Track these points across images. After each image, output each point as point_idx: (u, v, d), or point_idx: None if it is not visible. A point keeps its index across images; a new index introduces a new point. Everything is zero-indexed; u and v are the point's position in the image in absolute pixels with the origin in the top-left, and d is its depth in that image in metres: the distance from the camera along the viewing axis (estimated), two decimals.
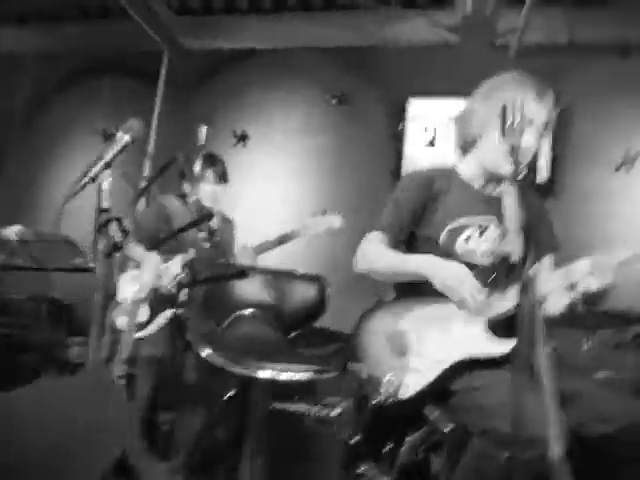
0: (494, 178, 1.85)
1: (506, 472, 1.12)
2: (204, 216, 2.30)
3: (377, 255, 1.79)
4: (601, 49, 4.00)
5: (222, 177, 2.98)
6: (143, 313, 2.59)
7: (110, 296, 2.73)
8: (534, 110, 1.73)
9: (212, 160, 2.96)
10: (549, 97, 1.78)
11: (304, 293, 2.63)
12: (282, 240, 2.98)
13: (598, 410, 1.50)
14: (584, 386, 1.60)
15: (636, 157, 3.87)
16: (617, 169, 3.90)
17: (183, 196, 2.98)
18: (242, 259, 2.92)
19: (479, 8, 3.92)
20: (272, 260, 3.01)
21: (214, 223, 2.83)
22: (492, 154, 1.80)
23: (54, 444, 1.13)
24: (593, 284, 1.58)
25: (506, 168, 1.76)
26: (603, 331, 3.00)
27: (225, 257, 2.97)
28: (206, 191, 2.92)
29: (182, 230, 2.23)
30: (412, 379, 1.63)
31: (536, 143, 1.79)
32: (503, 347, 1.61)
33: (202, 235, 2.07)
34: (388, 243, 1.80)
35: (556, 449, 1.07)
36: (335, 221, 2.99)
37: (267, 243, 2.98)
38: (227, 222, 3.16)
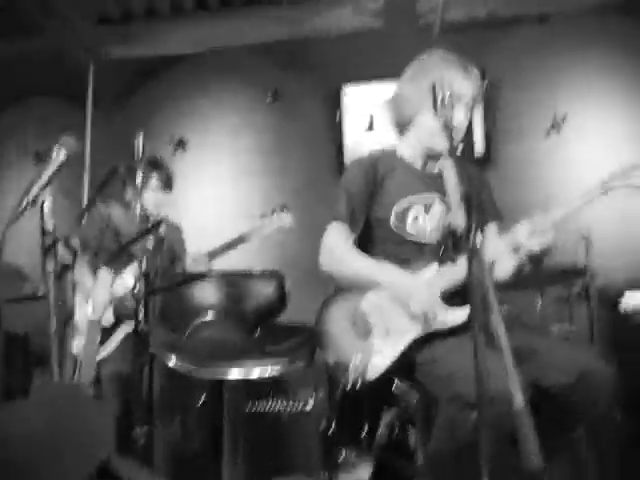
0: (432, 155, 1.90)
1: (477, 432, 1.17)
2: (153, 225, 2.27)
3: (343, 261, 1.81)
4: (520, 19, 4.15)
5: (166, 184, 2.89)
6: (100, 332, 2.54)
7: (66, 320, 2.66)
8: (462, 86, 1.79)
9: (156, 166, 2.87)
10: (475, 72, 1.84)
11: (263, 290, 2.64)
12: (234, 243, 2.97)
13: (555, 362, 1.57)
14: (540, 342, 1.68)
15: (563, 120, 4.04)
16: (547, 134, 4.06)
17: (126, 204, 2.89)
18: (195, 266, 2.88)
19: None
20: (226, 262, 3.01)
21: (161, 231, 2.78)
22: (427, 132, 1.85)
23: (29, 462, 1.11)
24: (535, 244, 1.65)
25: (442, 144, 1.82)
26: (552, 288, 3.15)
27: (176, 264, 2.93)
28: (150, 199, 2.83)
29: (132, 242, 2.20)
30: (377, 358, 1.68)
31: (467, 117, 1.85)
32: (459, 316, 1.68)
33: (150, 244, 2.03)
34: (348, 233, 1.83)
35: (519, 401, 1.12)
36: (285, 219, 3.01)
37: (219, 248, 2.96)
38: (174, 229, 3.08)
